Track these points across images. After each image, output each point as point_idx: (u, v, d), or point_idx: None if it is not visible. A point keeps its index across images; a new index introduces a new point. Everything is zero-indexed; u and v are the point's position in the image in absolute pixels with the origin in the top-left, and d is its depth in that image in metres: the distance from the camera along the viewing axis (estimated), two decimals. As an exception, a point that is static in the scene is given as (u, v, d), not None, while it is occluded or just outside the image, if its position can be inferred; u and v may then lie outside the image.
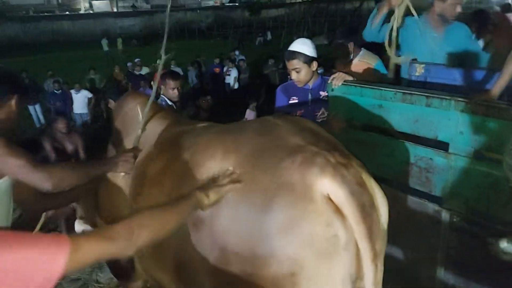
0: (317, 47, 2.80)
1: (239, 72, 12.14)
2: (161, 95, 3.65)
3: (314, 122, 2.18)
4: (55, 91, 9.90)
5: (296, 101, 2.79)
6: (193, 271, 1.41)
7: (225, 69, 12.48)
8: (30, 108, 10.31)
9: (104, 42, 22.25)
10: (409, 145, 2.33)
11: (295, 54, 2.65)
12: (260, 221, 1.23)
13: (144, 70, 12.35)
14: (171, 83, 3.55)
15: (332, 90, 2.67)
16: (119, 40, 23.92)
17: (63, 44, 28.38)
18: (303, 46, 2.67)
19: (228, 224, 1.29)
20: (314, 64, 2.70)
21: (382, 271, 1.35)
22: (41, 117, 10.45)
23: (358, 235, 1.23)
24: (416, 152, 2.31)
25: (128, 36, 28.29)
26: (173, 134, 1.84)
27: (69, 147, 4.68)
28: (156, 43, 27.58)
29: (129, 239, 1.16)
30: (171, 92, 3.58)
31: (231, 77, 11.98)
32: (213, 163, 1.42)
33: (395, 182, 2.51)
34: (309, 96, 2.77)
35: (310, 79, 2.74)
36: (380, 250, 1.30)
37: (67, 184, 1.72)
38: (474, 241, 2.10)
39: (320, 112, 2.77)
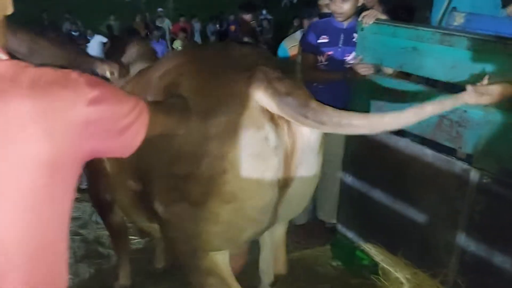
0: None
1: (262, 32, 11.72)
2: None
3: (343, 66, 2.51)
4: (73, 33, 9.71)
5: (326, 40, 2.55)
6: (147, 180, 1.52)
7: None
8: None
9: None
10: (443, 94, 2.07)
11: None
12: (204, 124, 1.33)
13: (166, 22, 12.02)
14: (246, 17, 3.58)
15: (362, 29, 2.38)
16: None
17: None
18: None
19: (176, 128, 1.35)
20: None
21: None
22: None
23: (283, 146, 1.36)
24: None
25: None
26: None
27: None
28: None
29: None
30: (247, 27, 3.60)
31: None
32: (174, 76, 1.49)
33: (419, 137, 2.29)
34: (341, 37, 2.54)
35: (350, 17, 2.50)
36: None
37: None
38: (503, 206, 1.88)
39: (351, 56, 2.54)
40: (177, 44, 8.99)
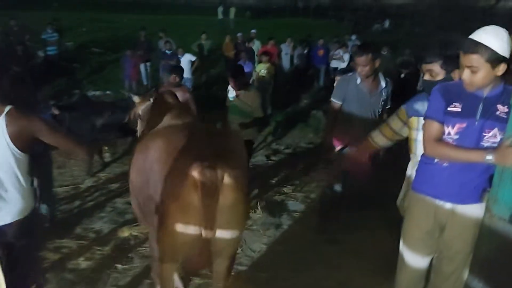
0: (444, 41, 2.13)
1: (351, 59, 11.33)
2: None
3: (479, 144, 2.07)
4: (166, 51, 10.07)
5: (459, 110, 2.04)
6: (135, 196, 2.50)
7: (331, 52, 11.76)
8: (141, 65, 10.65)
9: (220, 10, 22.56)
10: None
11: (478, 47, 1.89)
12: (163, 182, 2.14)
13: (256, 44, 12.06)
14: (358, 59, 3.42)
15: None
16: (232, 10, 24.05)
17: (182, 7, 29.49)
18: (492, 38, 1.89)
19: (146, 175, 2.28)
20: (501, 67, 1.94)
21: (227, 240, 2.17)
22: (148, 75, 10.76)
23: (205, 209, 2.01)
24: None
25: (242, 6, 28.45)
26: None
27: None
28: (268, 17, 27.57)
29: None
30: (359, 69, 3.44)
31: (343, 62, 11.19)
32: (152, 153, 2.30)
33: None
34: (480, 108, 2.01)
35: (488, 85, 2.00)
36: (215, 216, 2.03)
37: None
38: None
39: (491, 134, 2.02)
40: (260, 68, 8.93)
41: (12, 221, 2.19)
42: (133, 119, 3.56)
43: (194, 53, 10.87)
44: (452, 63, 2.35)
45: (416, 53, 12.11)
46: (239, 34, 12.66)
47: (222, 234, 2.10)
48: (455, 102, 2.06)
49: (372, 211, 4.15)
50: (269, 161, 6.27)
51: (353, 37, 14.15)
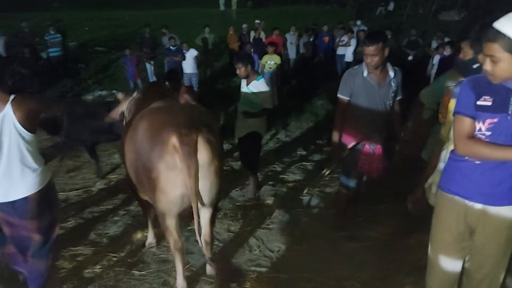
0: (446, 24, 1.96)
1: (357, 45, 11.12)
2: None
3: None
4: (171, 48, 9.95)
5: (489, 103, 1.89)
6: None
7: (337, 39, 11.56)
8: (146, 63, 10.55)
9: (221, 1, 22.30)
10: None
11: (497, 36, 1.77)
12: (151, 151, 2.59)
13: (261, 35, 11.86)
14: (368, 49, 3.19)
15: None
16: (234, 0, 23.80)
17: (182, 0, 29.21)
18: None
19: (137, 150, 2.74)
20: None
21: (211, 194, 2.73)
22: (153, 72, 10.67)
23: (185, 167, 2.49)
24: None
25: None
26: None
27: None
28: (271, 6, 27.25)
29: None
30: (369, 59, 3.23)
31: (349, 49, 10.98)
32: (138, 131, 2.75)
33: None
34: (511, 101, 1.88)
35: None
36: (197, 175, 2.51)
37: None
38: None
39: None
40: (266, 59, 8.79)
41: (25, 195, 2.47)
42: (115, 117, 3.85)
43: (198, 47, 10.74)
44: (479, 45, 2.19)
45: (421, 35, 11.92)
46: (244, 26, 12.47)
47: (203, 186, 2.60)
48: (485, 96, 1.90)
49: (391, 204, 4.05)
50: (280, 155, 6.15)
51: (358, 22, 13.87)
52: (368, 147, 3.36)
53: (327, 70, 11.62)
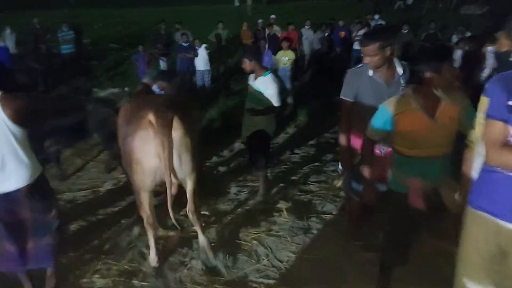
0: (466, 17, 1.68)
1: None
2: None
3: None
4: (183, 44, 9.78)
5: None
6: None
7: (354, 34, 11.22)
8: (160, 61, 10.40)
9: (231, -3, 22.05)
10: None
11: None
12: (131, 126, 2.94)
13: (276, 30, 11.59)
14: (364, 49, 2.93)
15: None
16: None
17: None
18: None
19: (121, 128, 3.18)
20: None
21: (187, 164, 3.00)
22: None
23: (159, 140, 2.78)
24: None
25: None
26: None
27: None
28: (286, 1, 26.90)
29: None
30: (367, 60, 2.95)
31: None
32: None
33: None
34: None
35: None
36: (170, 150, 2.81)
37: None
38: None
39: None
40: (281, 55, 8.53)
41: (17, 187, 2.56)
42: None
43: (211, 44, 10.55)
44: None
45: (441, 29, 11.50)
46: (259, 21, 12.22)
47: (176, 161, 2.88)
48: None
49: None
50: (292, 155, 5.90)
51: (376, 16, 13.51)
52: (379, 150, 3.07)
53: (343, 65, 11.28)
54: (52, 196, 2.91)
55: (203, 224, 3.53)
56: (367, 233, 3.57)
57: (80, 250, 3.58)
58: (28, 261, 2.75)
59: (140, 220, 3.86)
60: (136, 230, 3.81)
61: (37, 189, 2.67)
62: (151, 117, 2.77)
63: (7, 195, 2.56)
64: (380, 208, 3.15)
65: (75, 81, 10.73)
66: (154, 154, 2.81)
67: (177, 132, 2.82)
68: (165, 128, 2.75)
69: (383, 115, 2.49)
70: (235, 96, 8.65)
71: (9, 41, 10.82)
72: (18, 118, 2.48)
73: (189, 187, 3.18)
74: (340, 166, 3.52)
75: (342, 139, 3.24)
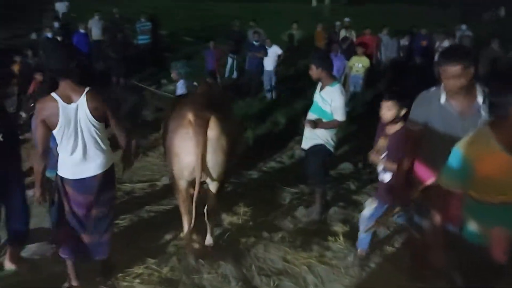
0: None
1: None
2: None
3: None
4: (254, 43, 9.64)
5: None
6: None
7: (437, 44, 10.43)
8: (229, 58, 10.36)
9: (314, -3, 21.67)
10: None
11: None
12: (174, 125, 3.24)
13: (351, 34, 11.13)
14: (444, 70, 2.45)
15: None
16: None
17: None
18: None
19: (166, 127, 3.52)
20: None
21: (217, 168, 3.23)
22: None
23: (195, 139, 3.06)
24: None
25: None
26: None
27: None
28: (366, 4, 25.90)
29: None
30: (446, 83, 2.49)
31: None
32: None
33: None
34: None
35: None
36: (204, 147, 3.08)
37: None
38: None
39: None
40: (354, 61, 8.10)
41: (95, 174, 2.85)
42: None
43: (283, 43, 10.33)
44: None
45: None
46: (337, 23, 11.80)
47: (211, 159, 3.14)
48: None
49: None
50: (358, 171, 5.51)
51: (463, 26, 12.51)
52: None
53: (422, 77, 10.50)
54: (114, 188, 3.25)
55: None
56: (432, 276, 3.15)
57: (127, 248, 3.52)
58: (87, 250, 2.98)
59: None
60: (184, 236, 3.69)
61: (108, 177, 2.96)
62: (190, 116, 3.07)
63: (84, 180, 2.84)
64: (449, 254, 2.74)
65: (145, 71, 11.02)
66: (191, 151, 3.08)
67: (213, 132, 3.10)
68: (201, 128, 3.04)
69: (457, 161, 2.06)
70: (303, 100, 8.34)
71: (95, 28, 11.28)
72: (98, 114, 2.79)
73: (214, 185, 3.37)
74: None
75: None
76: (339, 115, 3.80)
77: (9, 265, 3.30)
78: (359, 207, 4.36)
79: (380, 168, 3.19)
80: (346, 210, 4.31)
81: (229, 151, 3.25)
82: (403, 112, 2.99)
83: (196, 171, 3.07)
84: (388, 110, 3.02)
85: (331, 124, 3.87)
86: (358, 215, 4.18)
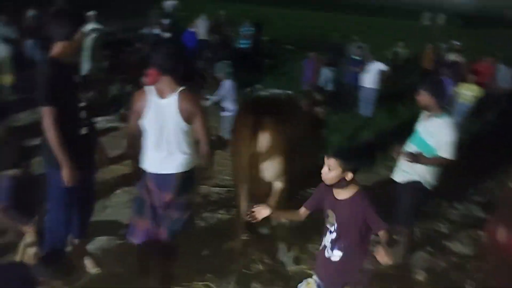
0: None
1: None
2: None
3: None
4: (355, 57, 9.22)
5: None
6: None
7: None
8: (325, 70, 10.04)
9: (426, 16, 20.41)
10: None
11: None
12: (235, 129, 3.65)
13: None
14: None
15: None
16: (441, 16, 21.48)
17: (379, 9, 27.97)
18: None
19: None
20: None
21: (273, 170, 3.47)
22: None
23: (248, 142, 3.32)
24: None
25: (453, 13, 25.38)
26: None
27: None
28: (488, 29, 23.68)
29: None
30: None
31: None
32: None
33: None
34: None
35: None
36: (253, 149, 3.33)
37: None
38: None
39: None
40: (462, 89, 7.35)
41: (174, 172, 2.85)
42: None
43: (386, 60, 9.76)
44: None
45: None
46: (444, 46, 10.93)
47: (266, 161, 3.37)
48: None
49: None
50: (450, 211, 4.90)
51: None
52: None
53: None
54: (194, 193, 3.21)
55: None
56: None
57: (187, 259, 3.41)
58: (156, 246, 2.96)
59: (254, 242, 3.58)
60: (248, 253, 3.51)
61: (188, 179, 2.93)
62: (249, 120, 3.30)
63: (164, 176, 2.86)
64: None
65: (240, 75, 11.08)
66: (245, 154, 3.30)
67: (266, 133, 3.31)
68: (255, 133, 3.27)
69: None
70: (400, 124, 7.76)
71: (201, 27, 11.67)
72: (187, 115, 2.76)
73: (275, 188, 3.59)
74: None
75: None
76: (447, 153, 3.32)
77: (92, 268, 3.32)
78: (447, 255, 3.84)
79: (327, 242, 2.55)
80: (432, 256, 3.83)
81: (283, 152, 3.43)
82: None
83: (243, 172, 3.35)
84: None
85: (435, 161, 3.38)
86: (446, 265, 3.70)
